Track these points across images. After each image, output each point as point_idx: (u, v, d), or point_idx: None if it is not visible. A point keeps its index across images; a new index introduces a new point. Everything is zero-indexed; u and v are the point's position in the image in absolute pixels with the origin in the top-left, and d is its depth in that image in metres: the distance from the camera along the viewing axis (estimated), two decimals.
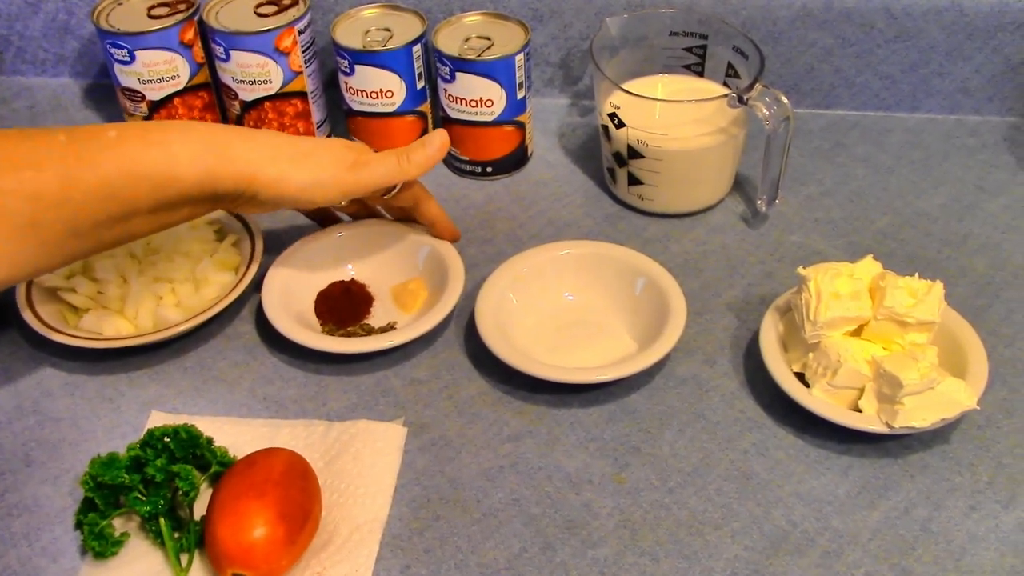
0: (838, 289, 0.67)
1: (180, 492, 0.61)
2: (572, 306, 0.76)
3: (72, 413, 0.71)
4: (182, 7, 0.88)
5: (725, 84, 0.86)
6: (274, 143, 0.69)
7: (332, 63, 0.88)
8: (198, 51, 0.89)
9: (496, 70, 0.83)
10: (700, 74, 0.88)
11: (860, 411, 0.66)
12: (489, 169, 0.89)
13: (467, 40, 0.85)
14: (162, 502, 0.61)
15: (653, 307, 0.73)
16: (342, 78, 0.87)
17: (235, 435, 0.67)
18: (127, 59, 0.86)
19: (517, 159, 0.90)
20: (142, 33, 0.85)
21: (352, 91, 0.87)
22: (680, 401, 0.71)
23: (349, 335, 0.74)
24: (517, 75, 0.85)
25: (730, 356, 0.73)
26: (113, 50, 0.86)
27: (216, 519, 0.58)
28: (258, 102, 0.88)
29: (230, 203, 0.69)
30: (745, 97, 0.78)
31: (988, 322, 0.75)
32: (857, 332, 0.68)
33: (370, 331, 0.74)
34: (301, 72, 0.88)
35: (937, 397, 0.63)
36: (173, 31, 0.86)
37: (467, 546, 0.62)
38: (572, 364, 0.71)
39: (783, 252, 0.82)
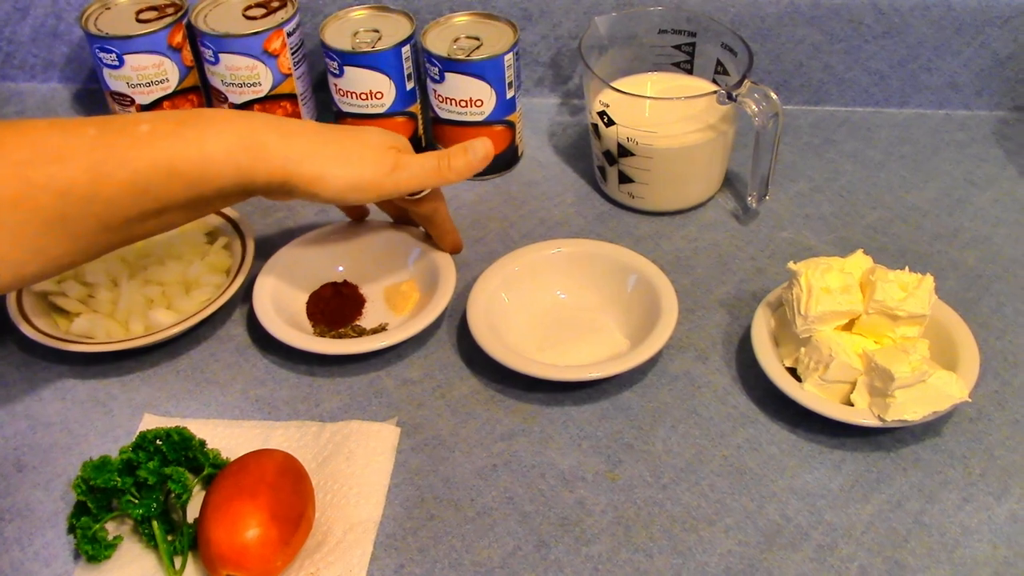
0: (829, 284, 0.67)
1: (173, 494, 0.61)
2: (564, 304, 0.76)
3: (64, 417, 0.71)
4: (170, 10, 0.88)
5: (714, 81, 0.87)
6: (314, 139, 0.67)
7: (321, 65, 0.88)
8: (187, 54, 0.89)
9: (485, 70, 0.84)
10: (689, 72, 0.88)
11: (852, 405, 0.66)
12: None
13: (456, 40, 0.85)
14: (155, 505, 0.61)
15: (645, 304, 0.73)
16: (331, 80, 0.87)
17: (228, 437, 0.67)
18: (116, 63, 0.86)
19: (508, 159, 0.90)
20: (130, 37, 0.85)
21: (342, 92, 0.87)
22: (673, 397, 0.71)
23: (341, 336, 0.74)
24: (506, 75, 0.85)
25: (722, 352, 0.73)
26: (102, 54, 0.86)
27: (209, 521, 0.58)
28: (247, 105, 0.88)
29: (264, 195, 0.68)
30: (734, 94, 0.78)
31: (979, 315, 0.75)
32: (848, 326, 0.68)
33: (362, 332, 0.74)
34: (290, 74, 0.88)
35: (928, 390, 0.63)
36: (161, 35, 0.86)
37: (461, 545, 0.62)
38: (564, 362, 0.71)
39: (774, 248, 0.82)
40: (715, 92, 0.79)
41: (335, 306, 0.76)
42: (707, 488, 0.65)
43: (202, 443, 0.64)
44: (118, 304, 0.74)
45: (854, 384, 0.66)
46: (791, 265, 0.68)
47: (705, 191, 0.86)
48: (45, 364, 0.74)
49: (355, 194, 0.68)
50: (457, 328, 0.76)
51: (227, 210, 0.80)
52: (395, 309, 0.76)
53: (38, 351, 0.74)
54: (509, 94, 0.86)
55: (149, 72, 0.87)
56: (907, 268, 0.68)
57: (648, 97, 0.83)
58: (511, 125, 0.88)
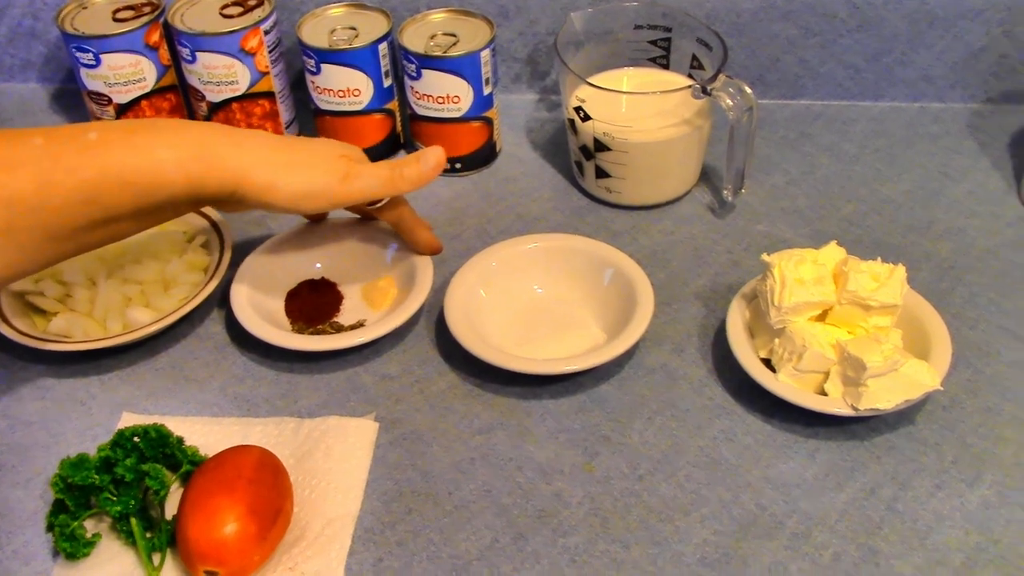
0: (802, 275, 0.67)
1: (150, 491, 0.61)
2: (541, 299, 0.77)
3: (43, 416, 0.71)
4: (147, 9, 0.88)
5: (690, 76, 0.87)
6: (265, 147, 0.67)
7: (299, 63, 0.89)
8: (164, 53, 0.89)
9: (462, 66, 0.84)
10: (665, 67, 0.89)
11: (826, 395, 0.67)
12: (458, 165, 0.90)
13: (433, 37, 0.86)
14: (132, 502, 0.61)
15: (621, 298, 0.73)
16: (309, 77, 0.87)
17: (206, 434, 0.68)
18: (93, 63, 0.86)
19: (486, 155, 0.91)
20: (107, 36, 0.85)
21: (319, 90, 0.87)
22: (649, 390, 0.71)
23: (319, 333, 0.74)
24: (483, 71, 0.85)
25: (698, 344, 0.74)
26: (79, 54, 0.86)
27: (187, 517, 0.58)
28: (225, 103, 0.88)
29: (215, 205, 0.69)
30: (709, 88, 0.79)
31: (952, 305, 0.76)
32: (822, 317, 0.69)
33: (340, 329, 0.75)
34: (268, 72, 0.88)
35: (901, 379, 0.64)
36: (138, 34, 0.86)
37: (439, 538, 0.63)
38: (542, 356, 0.72)
39: (750, 241, 0.83)
40: (690, 87, 0.79)
41: (313, 303, 0.76)
42: (683, 479, 0.65)
43: (180, 440, 0.64)
44: (96, 303, 0.74)
45: (828, 374, 0.66)
46: (765, 257, 0.69)
47: (681, 185, 0.86)
48: (23, 364, 0.74)
49: (307, 202, 0.68)
50: (435, 323, 0.76)
51: (205, 208, 0.80)
52: (373, 305, 0.77)
53: (16, 351, 0.74)
54: (486, 90, 0.86)
55: (126, 71, 0.87)
56: (879, 259, 0.68)
57: (623, 92, 0.84)
58: (488, 121, 0.89)
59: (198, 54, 0.86)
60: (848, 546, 0.61)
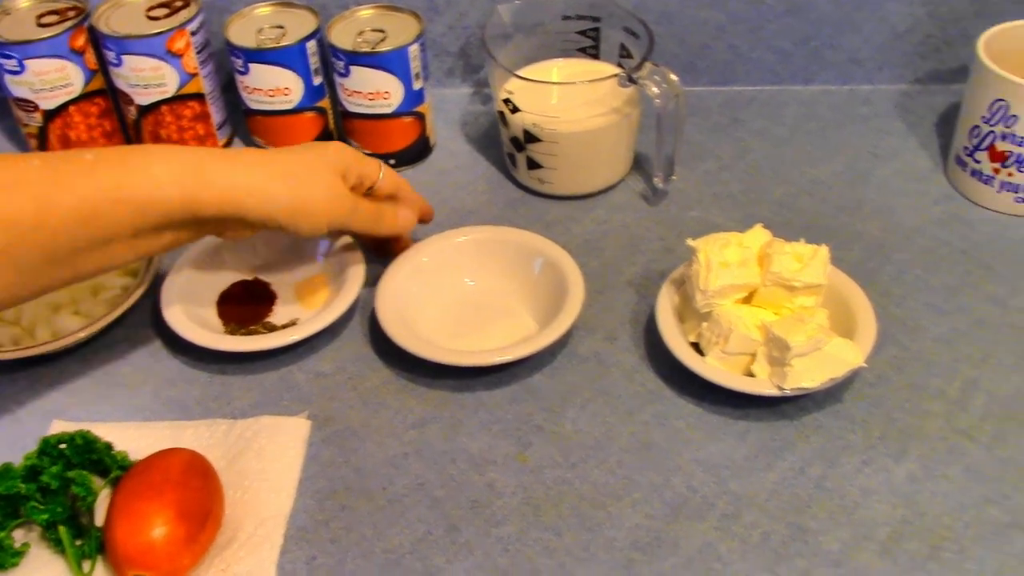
0: (727, 258, 0.68)
1: (78, 499, 0.61)
2: (473, 291, 0.77)
3: None
4: (71, 14, 0.87)
5: (620, 65, 0.87)
6: (262, 162, 0.67)
7: (230, 64, 0.88)
8: (90, 57, 0.88)
9: (391, 62, 0.84)
10: (595, 57, 0.89)
11: (754, 376, 0.67)
12: (392, 161, 0.90)
13: (361, 34, 0.86)
14: (60, 509, 0.60)
15: (552, 287, 0.74)
16: (238, 78, 0.87)
17: (137, 439, 0.67)
18: (17, 69, 0.85)
19: (419, 150, 0.91)
20: (31, 42, 0.84)
21: (249, 90, 0.87)
22: (582, 378, 0.71)
23: (251, 334, 0.74)
24: (412, 66, 0.85)
25: (630, 331, 0.75)
26: (2, 60, 0.85)
27: (114, 522, 0.58)
28: (154, 106, 0.88)
29: (218, 227, 0.67)
30: (635, 76, 0.79)
31: (880, 283, 0.77)
32: (748, 299, 0.69)
33: (272, 328, 0.74)
34: (197, 74, 0.88)
35: (825, 357, 0.65)
36: (63, 38, 0.85)
37: (372, 533, 0.63)
38: (475, 348, 0.72)
39: (683, 227, 0.83)
40: (616, 75, 0.79)
41: (245, 304, 0.76)
42: (615, 465, 0.66)
43: (108, 446, 0.64)
44: (24, 311, 0.73)
45: (755, 355, 0.67)
46: (690, 242, 0.69)
47: (613, 174, 0.87)
48: None
49: (305, 219, 0.68)
50: (368, 319, 0.76)
51: None
52: (306, 304, 0.77)
53: None
54: (416, 85, 0.86)
55: (52, 77, 0.86)
56: (802, 240, 0.69)
57: (547, 82, 0.84)
58: (421, 116, 0.89)
59: (124, 57, 0.85)
60: (777, 525, 0.62)
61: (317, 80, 0.88)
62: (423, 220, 0.79)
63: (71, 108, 0.89)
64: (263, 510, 0.63)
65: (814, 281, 0.67)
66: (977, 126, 0.81)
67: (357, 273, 0.75)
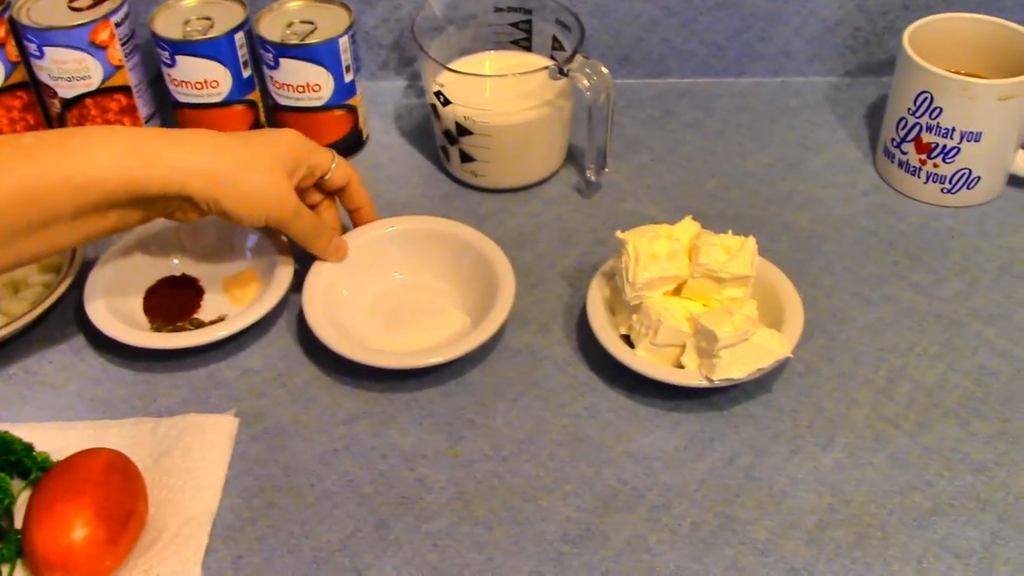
0: (656, 250, 0.68)
1: None
2: (402, 284, 0.76)
3: None
4: None
5: (552, 58, 0.87)
6: (209, 143, 0.66)
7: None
8: (12, 50, 0.86)
9: (320, 54, 0.83)
10: (528, 49, 0.89)
11: (683, 367, 0.67)
12: None
13: (290, 25, 0.84)
14: None
15: (483, 281, 0.73)
16: (165, 70, 0.85)
17: (60, 439, 0.66)
18: None
19: (352, 143, 0.90)
20: None
21: (176, 83, 0.85)
22: (515, 371, 0.71)
23: (178, 330, 0.73)
24: (343, 58, 0.84)
25: (563, 324, 0.74)
26: None
27: (32, 525, 0.57)
28: (79, 99, 0.86)
29: (165, 208, 0.66)
30: (566, 69, 0.79)
31: (809, 274, 0.78)
32: (678, 291, 0.70)
33: (200, 325, 0.73)
34: (122, 66, 0.86)
35: (753, 348, 0.65)
36: None
37: (300, 531, 0.62)
38: (405, 344, 0.71)
39: (616, 220, 0.83)
40: (546, 68, 0.79)
41: (172, 300, 0.75)
42: (547, 458, 0.66)
43: (28, 447, 0.63)
44: None
45: (684, 347, 0.67)
46: (619, 234, 0.69)
47: (546, 167, 0.87)
48: None
49: (251, 207, 0.67)
50: (297, 315, 0.75)
51: None
52: (235, 300, 0.75)
53: None
54: (347, 78, 0.85)
55: None
56: (730, 231, 0.70)
57: (476, 75, 0.84)
58: (352, 109, 0.88)
59: (46, 49, 0.83)
60: (706, 515, 0.62)
61: (246, 73, 0.86)
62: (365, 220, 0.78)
63: None
64: (188, 509, 0.62)
65: (741, 272, 0.67)
66: (904, 118, 0.82)
67: (287, 268, 0.74)
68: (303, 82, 0.84)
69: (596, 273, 0.73)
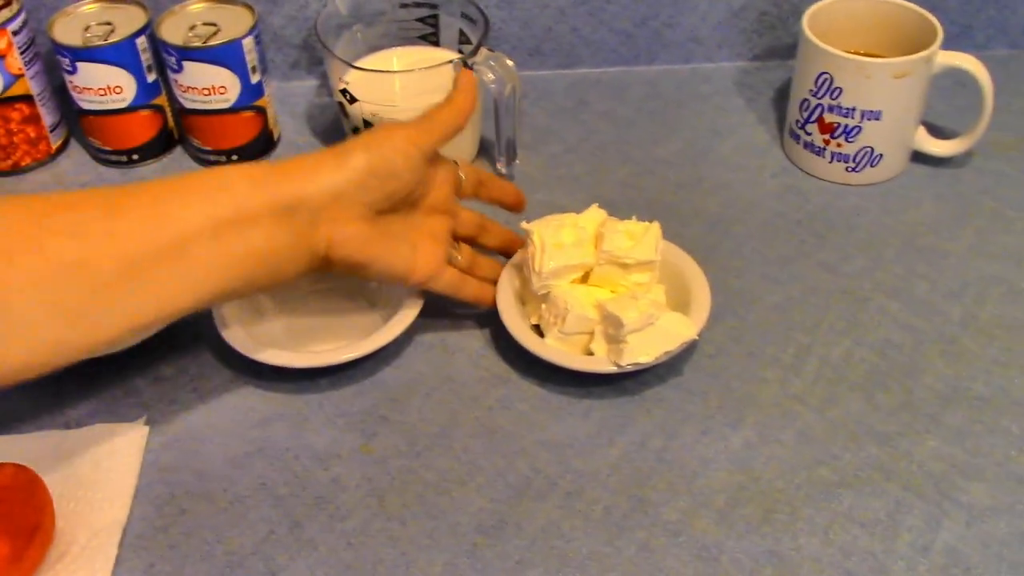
0: (562, 239, 0.69)
1: None
2: (313, 282, 0.76)
3: None
4: None
5: (460, 52, 0.87)
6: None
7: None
8: (13, 61, 0.84)
9: (224, 56, 0.82)
10: (436, 44, 0.89)
11: (593, 354, 0.68)
12: (235, 157, 0.88)
13: (192, 28, 0.84)
14: None
15: None
16: (67, 77, 0.84)
17: None
18: None
19: (262, 144, 0.89)
20: None
21: (79, 90, 0.84)
22: (428, 366, 0.71)
23: None
24: (248, 59, 0.83)
25: (476, 317, 0.75)
26: None
27: None
28: None
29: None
30: (470, 62, 0.79)
31: (719, 257, 0.79)
32: (584, 279, 0.70)
33: None
34: (23, 75, 0.84)
35: (659, 332, 0.66)
36: None
37: (213, 536, 0.62)
38: (318, 343, 0.71)
39: (529, 211, 0.83)
40: (450, 62, 0.79)
41: None
42: (460, 451, 0.66)
43: None
44: None
45: (593, 334, 0.68)
46: (524, 225, 0.70)
47: (458, 160, 0.86)
48: None
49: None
50: (209, 318, 0.74)
51: None
52: None
53: None
54: (254, 79, 0.85)
55: None
56: (634, 217, 0.70)
57: (377, 71, 0.83)
58: (261, 110, 0.87)
59: None
60: (619, 499, 0.63)
61: (151, 77, 0.85)
62: (516, 208, 0.76)
63: None
64: (97, 521, 0.61)
65: (646, 258, 0.68)
66: (806, 99, 0.84)
67: None
68: (208, 85, 0.83)
69: (506, 265, 0.73)
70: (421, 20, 0.88)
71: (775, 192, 0.85)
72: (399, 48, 0.88)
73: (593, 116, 0.94)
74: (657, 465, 0.65)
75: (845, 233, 0.81)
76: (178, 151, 0.91)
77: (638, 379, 0.70)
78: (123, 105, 0.85)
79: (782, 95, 0.95)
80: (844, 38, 0.83)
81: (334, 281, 0.75)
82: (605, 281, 0.69)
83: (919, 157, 0.87)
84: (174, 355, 0.72)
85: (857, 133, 0.82)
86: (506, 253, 0.75)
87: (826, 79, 0.81)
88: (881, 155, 0.83)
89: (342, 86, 0.82)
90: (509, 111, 0.81)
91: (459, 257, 0.71)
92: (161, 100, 0.87)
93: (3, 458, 0.64)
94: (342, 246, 0.63)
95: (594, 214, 0.71)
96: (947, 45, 0.81)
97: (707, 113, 0.94)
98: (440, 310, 0.75)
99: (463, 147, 0.87)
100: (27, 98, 0.86)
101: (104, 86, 0.83)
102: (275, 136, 0.91)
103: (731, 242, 0.80)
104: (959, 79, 0.82)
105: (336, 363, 0.69)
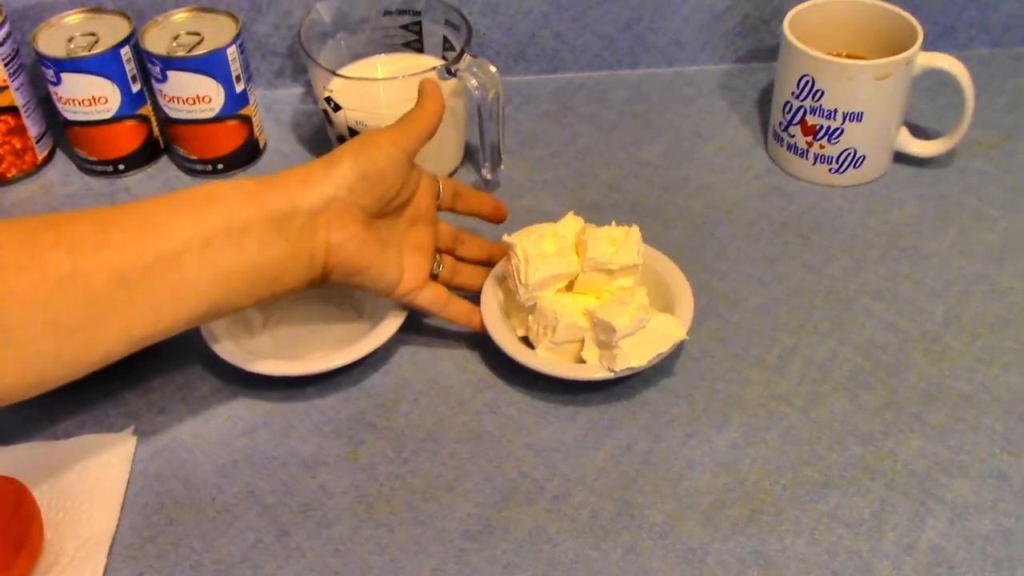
0: (544, 249, 0.69)
1: None
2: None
3: None
4: None
5: (444, 58, 0.88)
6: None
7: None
8: None
9: (208, 65, 0.82)
10: (420, 51, 0.89)
11: (584, 361, 0.68)
12: (220, 166, 0.88)
13: (176, 38, 0.84)
14: None
15: None
16: (51, 88, 0.84)
17: None
18: None
19: (248, 153, 0.89)
20: None
21: (63, 101, 0.84)
22: (414, 371, 0.72)
23: None
24: (232, 68, 0.84)
25: None
26: None
27: None
28: None
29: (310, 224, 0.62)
30: (454, 69, 0.79)
31: (703, 259, 0.79)
32: (570, 287, 0.70)
33: None
34: (7, 87, 0.85)
35: (650, 334, 0.66)
36: None
37: (201, 545, 0.62)
38: (304, 351, 0.71)
39: (514, 217, 0.83)
40: (433, 69, 0.80)
41: None
42: (447, 456, 0.66)
43: None
44: None
45: (583, 341, 0.68)
46: (505, 238, 0.70)
47: (443, 167, 0.87)
48: None
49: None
50: (197, 330, 0.74)
51: None
52: None
53: None
54: (239, 88, 0.85)
55: None
56: (614, 222, 0.71)
57: (361, 79, 0.84)
58: (246, 119, 0.87)
59: None
60: (605, 502, 0.63)
61: (136, 87, 0.85)
62: (495, 219, 0.77)
63: None
64: (85, 531, 0.61)
65: (629, 262, 0.68)
66: (789, 101, 0.84)
67: None
68: (193, 94, 0.83)
69: (488, 277, 0.73)
70: (404, 27, 0.88)
71: (759, 194, 0.86)
72: (383, 56, 0.89)
73: (577, 120, 0.94)
74: (643, 468, 0.65)
75: (829, 234, 0.81)
76: (164, 161, 0.91)
77: (624, 383, 0.70)
78: (108, 116, 0.85)
79: (765, 97, 0.95)
80: (826, 40, 0.83)
81: (320, 289, 0.76)
82: (590, 288, 0.70)
83: (902, 158, 0.87)
84: (161, 365, 0.73)
85: (839, 135, 0.83)
86: (483, 264, 0.75)
87: (808, 81, 0.81)
88: (864, 156, 0.84)
89: (326, 94, 0.82)
90: (493, 117, 0.81)
91: (441, 267, 0.72)
92: (146, 110, 0.88)
93: None
94: (341, 249, 0.63)
95: (571, 222, 0.72)
96: (929, 45, 0.81)
97: (691, 116, 0.94)
98: (427, 317, 0.75)
99: (448, 153, 0.87)
100: (12, 110, 0.86)
101: (89, 97, 0.84)
102: (261, 144, 0.91)
103: (715, 244, 0.81)
104: (941, 79, 0.82)
105: (323, 370, 0.69)
